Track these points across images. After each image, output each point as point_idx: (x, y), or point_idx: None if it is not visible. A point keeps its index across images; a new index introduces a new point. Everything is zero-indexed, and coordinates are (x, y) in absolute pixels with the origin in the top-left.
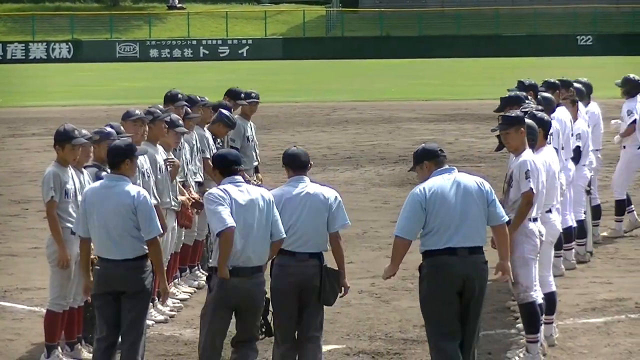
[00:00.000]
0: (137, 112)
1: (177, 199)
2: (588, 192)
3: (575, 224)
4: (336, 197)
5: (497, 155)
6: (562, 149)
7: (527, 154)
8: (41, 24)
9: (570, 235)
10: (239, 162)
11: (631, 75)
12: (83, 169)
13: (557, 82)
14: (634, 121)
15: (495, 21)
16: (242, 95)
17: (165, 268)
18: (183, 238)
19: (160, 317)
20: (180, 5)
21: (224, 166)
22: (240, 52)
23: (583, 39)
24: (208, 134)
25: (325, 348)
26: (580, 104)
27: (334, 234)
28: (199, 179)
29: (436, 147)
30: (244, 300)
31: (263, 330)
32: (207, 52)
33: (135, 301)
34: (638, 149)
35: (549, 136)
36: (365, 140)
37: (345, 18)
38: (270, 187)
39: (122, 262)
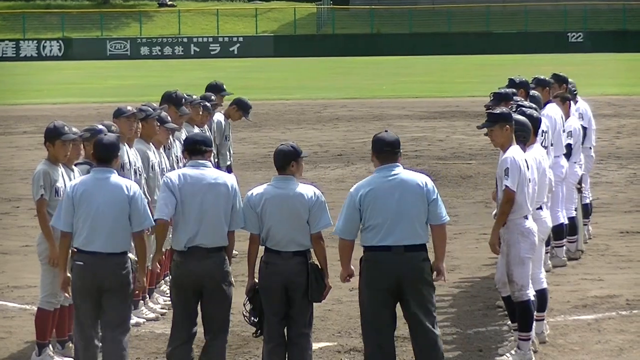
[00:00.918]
0: (129, 108)
1: None
2: (579, 190)
3: (566, 221)
4: (317, 197)
5: (487, 152)
6: (552, 145)
7: (511, 151)
8: (32, 21)
9: (561, 233)
10: (206, 143)
11: None
12: (74, 167)
13: (547, 78)
14: None
15: (486, 18)
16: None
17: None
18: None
19: (152, 315)
20: (171, 2)
21: (189, 145)
22: (231, 49)
23: (574, 36)
24: (197, 131)
25: (316, 345)
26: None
27: (315, 234)
28: None
29: (384, 141)
30: (202, 281)
31: (258, 329)
32: (198, 49)
33: (121, 297)
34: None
35: (542, 133)
36: (356, 138)
37: (336, 15)
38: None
39: (107, 256)
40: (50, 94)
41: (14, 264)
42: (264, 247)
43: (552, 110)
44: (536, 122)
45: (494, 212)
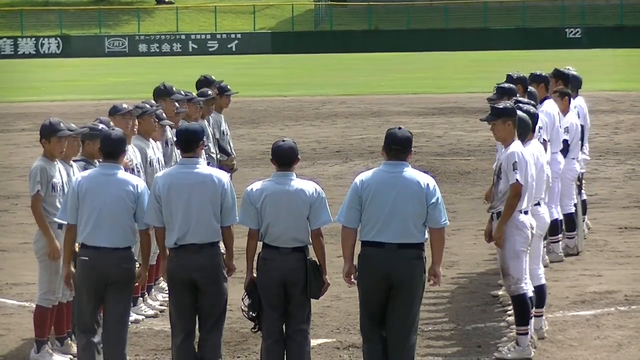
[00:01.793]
0: (124, 105)
1: None
2: (579, 187)
3: (561, 217)
4: (319, 194)
5: (486, 148)
6: (549, 141)
7: (516, 146)
8: (30, 19)
9: (556, 228)
10: (197, 135)
11: None
12: (72, 162)
13: (545, 74)
14: None
15: (484, 14)
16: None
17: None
18: None
19: (151, 312)
20: None
21: (179, 139)
22: (229, 46)
23: (572, 31)
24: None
25: (315, 342)
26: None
27: (315, 231)
28: None
29: (394, 138)
30: (194, 275)
31: (256, 324)
32: (196, 46)
33: (123, 292)
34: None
35: (539, 130)
36: (354, 134)
37: (334, 12)
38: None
39: (112, 250)
40: (48, 91)
41: (12, 261)
42: (262, 242)
43: (550, 107)
44: (534, 118)
45: (489, 207)
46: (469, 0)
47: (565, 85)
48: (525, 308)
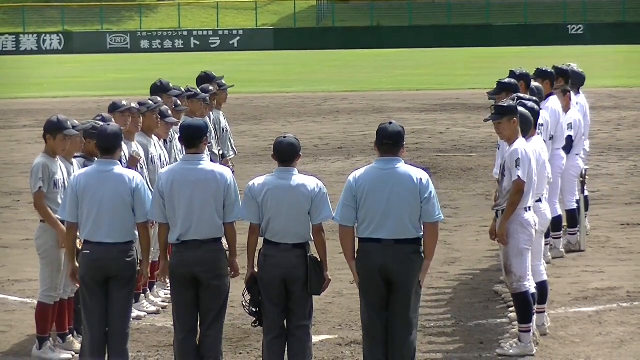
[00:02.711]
0: (124, 102)
1: None
2: (583, 183)
3: (562, 213)
4: (320, 189)
5: (488, 145)
6: (551, 139)
7: (519, 143)
8: (32, 15)
9: (559, 224)
10: (201, 131)
11: None
12: (73, 160)
13: (550, 70)
14: None
15: (486, 11)
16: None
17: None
18: None
19: (153, 308)
20: None
21: (182, 135)
22: (231, 42)
23: (574, 28)
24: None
25: (317, 338)
26: (571, 93)
27: (316, 226)
28: None
29: (385, 133)
30: (196, 270)
31: (257, 319)
32: (198, 42)
33: (126, 287)
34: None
35: (539, 127)
36: (356, 131)
37: (336, 8)
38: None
39: (112, 245)
40: (50, 88)
41: (14, 257)
42: (263, 238)
43: (554, 103)
44: (536, 114)
45: (493, 205)
46: None
47: (566, 82)
48: (527, 306)
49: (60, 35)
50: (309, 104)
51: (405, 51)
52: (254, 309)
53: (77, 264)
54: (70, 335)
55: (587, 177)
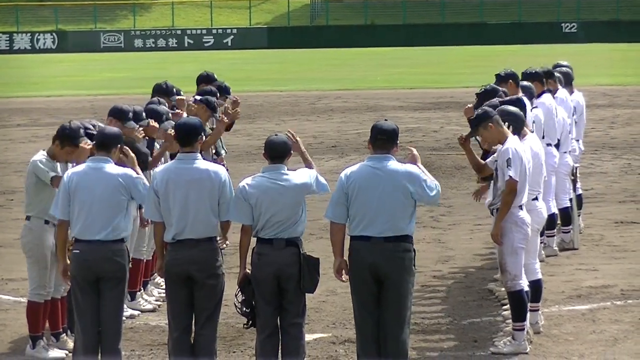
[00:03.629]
0: (130, 115)
1: None
2: (574, 181)
3: (556, 211)
4: (309, 176)
5: None
6: (543, 137)
7: (510, 142)
8: (25, 14)
9: (553, 222)
10: (196, 130)
11: None
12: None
13: (536, 71)
14: None
15: (480, 9)
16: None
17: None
18: None
19: (149, 306)
20: None
21: (177, 134)
22: (224, 41)
23: (568, 26)
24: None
25: (310, 337)
26: (564, 91)
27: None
28: None
29: (379, 129)
30: (190, 269)
31: (249, 320)
32: (191, 41)
33: (117, 286)
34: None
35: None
36: (350, 129)
37: (330, 7)
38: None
39: (103, 244)
40: (44, 87)
41: (8, 256)
42: (255, 238)
43: (547, 100)
44: (522, 107)
45: (487, 201)
46: None
47: (554, 82)
48: (522, 304)
49: (54, 34)
50: (303, 103)
51: (399, 49)
52: (246, 310)
53: (68, 262)
54: (64, 334)
55: (578, 175)
